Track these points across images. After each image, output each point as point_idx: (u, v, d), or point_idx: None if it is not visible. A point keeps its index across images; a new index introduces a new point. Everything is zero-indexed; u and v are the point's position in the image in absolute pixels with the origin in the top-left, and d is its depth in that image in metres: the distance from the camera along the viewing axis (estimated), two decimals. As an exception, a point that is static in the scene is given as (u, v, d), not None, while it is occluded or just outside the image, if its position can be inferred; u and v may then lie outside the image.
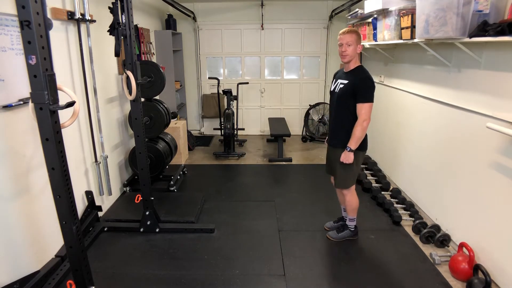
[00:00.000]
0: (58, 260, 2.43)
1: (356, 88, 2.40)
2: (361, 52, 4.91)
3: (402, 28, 3.09)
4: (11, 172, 2.13)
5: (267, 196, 3.72)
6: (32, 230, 2.31)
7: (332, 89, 2.64)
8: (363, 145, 2.56)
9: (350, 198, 2.70)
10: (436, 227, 2.82)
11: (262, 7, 5.82)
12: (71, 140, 2.79)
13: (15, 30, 2.10)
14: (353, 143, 2.45)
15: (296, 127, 6.34)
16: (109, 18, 2.54)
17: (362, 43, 2.51)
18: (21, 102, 2.14)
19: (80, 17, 2.78)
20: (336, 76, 2.64)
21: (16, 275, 2.14)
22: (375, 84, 2.46)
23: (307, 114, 5.96)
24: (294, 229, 3.05)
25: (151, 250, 2.73)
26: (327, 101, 6.21)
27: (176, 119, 4.87)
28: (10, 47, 2.07)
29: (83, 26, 2.88)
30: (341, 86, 2.50)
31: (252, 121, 6.41)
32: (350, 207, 2.74)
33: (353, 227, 2.82)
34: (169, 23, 5.43)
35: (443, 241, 2.72)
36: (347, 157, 2.49)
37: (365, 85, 2.40)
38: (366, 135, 2.54)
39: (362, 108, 2.39)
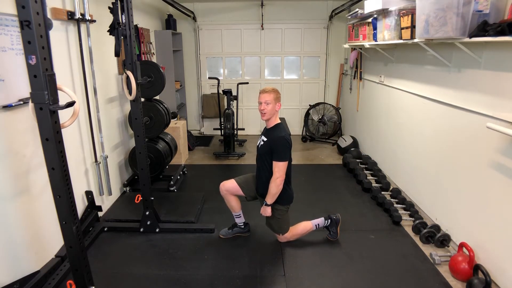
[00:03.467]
0: (58, 260, 2.43)
1: (272, 146, 2.50)
2: (360, 53, 4.94)
3: (402, 28, 3.09)
4: (11, 172, 2.13)
5: (267, 196, 3.71)
6: (32, 230, 2.31)
7: (257, 144, 2.73)
8: (283, 199, 2.64)
9: (293, 236, 2.79)
10: (436, 227, 2.82)
11: (262, 7, 5.82)
12: (71, 140, 2.79)
13: (15, 30, 2.10)
14: (269, 199, 2.56)
15: (296, 127, 6.35)
16: (109, 18, 2.54)
17: (280, 102, 2.59)
18: (21, 102, 2.14)
19: (80, 17, 2.78)
20: (262, 133, 2.73)
21: (16, 275, 2.14)
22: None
23: (307, 114, 5.96)
24: (294, 229, 3.05)
25: (151, 250, 2.73)
26: (327, 101, 6.22)
27: (176, 119, 4.87)
28: (10, 47, 2.07)
29: (83, 26, 2.88)
30: (262, 143, 2.62)
31: (252, 121, 6.41)
32: (305, 233, 2.83)
33: (330, 218, 2.85)
34: (169, 23, 5.43)
35: (443, 241, 2.72)
36: (265, 211, 2.61)
37: (280, 144, 2.47)
38: (288, 190, 2.66)
39: (276, 166, 2.49)
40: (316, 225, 2.84)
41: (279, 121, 2.59)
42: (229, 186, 2.78)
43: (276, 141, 2.48)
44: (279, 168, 2.48)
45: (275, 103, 2.51)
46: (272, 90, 2.51)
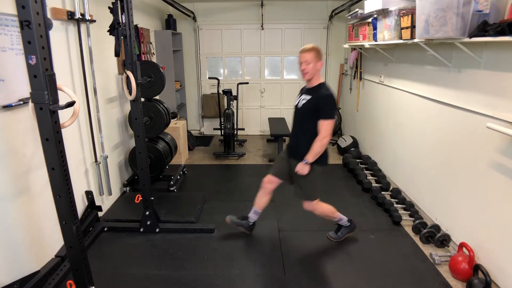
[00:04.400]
0: (58, 260, 2.43)
1: (318, 105, 2.42)
2: (360, 53, 4.93)
3: (402, 28, 3.09)
4: (11, 172, 2.13)
5: (267, 196, 3.71)
6: (32, 230, 2.31)
7: (295, 104, 2.64)
8: (322, 160, 2.55)
9: (320, 210, 2.70)
10: (436, 227, 2.82)
11: (262, 7, 5.82)
12: (71, 140, 2.79)
13: (15, 30, 2.10)
14: (310, 157, 2.45)
15: (296, 127, 6.33)
16: (109, 18, 2.54)
17: (322, 60, 2.50)
18: (21, 102, 2.14)
19: (80, 17, 2.78)
20: (301, 92, 2.66)
21: (16, 275, 2.14)
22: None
23: (307, 114, 5.95)
24: (294, 229, 3.05)
25: (151, 250, 2.73)
26: (327, 101, 6.20)
27: (176, 119, 4.87)
28: (10, 47, 2.07)
29: (83, 26, 2.88)
30: (304, 101, 2.52)
31: (252, 121, 6.41)
32: (327, 215, 2.76)
33: (347, 222, 2.82)
34: (169, 23, 5.43)
35: (443, 241, 2.72)
36: (302, 168, 2.48)
37: (327, 102, 2.41)
38: (326, 151, 2.56)
39: (322, 125, 2.40)
40: (340, 218, 2.80)
41: (322, 81, 2.51)
42: (269, 179, 2.78)
43: (324, 99, 2.40)
44: (326, 127, 2.38)
45: (316, 62, 2.43)
46: (312, 48, 2.42)
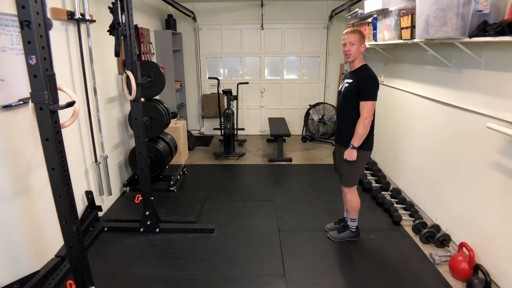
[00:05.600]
0: (58, 260, 2.43)
1: (360, 86, 2.43)
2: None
3: (402, 28, 3.09)
4: (11, 172, 2.13)
5: (267, 196, 3.72)
6: (32, 230, 2.31)
7: (339, 89, 2.67)
8: (367, 144, 2.55)
9: (351, 197, 2.71)
10: (436, 227, 2.82)
11: (262, 7, 5.82)
12: (71, 140, 2.79)
13: (15, 30, 2.10)
14: (356, 141, 2.47)
15: (296, 127, 6.34)
16: (109, 18, 2.54)
17: (365, 43, 2.51)
18: (21, 102, 2.14)
19: (80, 17, 2.78)
20: (344, 77, 2.68)
21: (16, 275, 2.14)
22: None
23: (307, 114, 5.96)
24: (294, 229, 3.05)
25: (151, 250, 2.73)
26: (327, 101, 6.21)
27: (176, 119, 4.87)
28: (10, 47, 2.07)
29: (83, 26, 2.88)
30: (346, 85, 2.54)
31: (252, 121, 6.41)
32: (351, 207, 2.74)
33: (354, 228, 2.82)
34: (169, 23, 5.42)
35: (443, 241, 2.72)
36: (350, 154, 2.51)
37: (368, 84, 2.42)
38: (372, 135, 2.56)
39: (364, 106, 2.42)
40: (355, 218, 2.78)
41: (364, 63, 2.52)
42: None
43: (365, 80, 2.42)
44: (368, 108, 2.39)
45: (360, 44, 2.44)
46: (357, 30, 2.45)
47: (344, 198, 2.89)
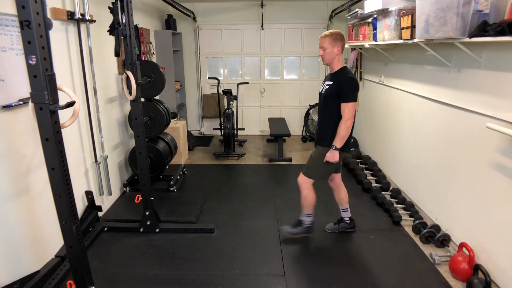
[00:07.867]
0: (58, 260, 2.43)
1: (340, 88, 2.47)
2: (360, 53, 4.93)
3: (402, 28, 3.09)
4: (11, 172, 2.13)
5: (267, 196, 3.72)
6: (32, 230, 2.31)
7: (320, 91, 2.70)
8: (344, 144, 2.58)
9: (307, 192, 2.74)
10: (436, 227, 2.82)
11: (262, 7, 5.82)
12: (71, 140, 2.79)
13: (15, 30, 2.10)
14: (338, 142, 2.51)
15: (296, 127, 6.34)
16: (109, 18, 2.54)
17: (344, 44, 2.53)
18: (21, 102, 2.14)
19: (80, 17, 2.78)
20: (324, 79, 2.72)
21: (16, 275, 2.14)
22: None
23: (307, 114, 5.96)
24: (294, 229, 3.04)
25: (151, 250, 2.73)
26: (327, 101, 6.20)
27: (176, 119, 4.87)
28: (10, 47, 2.07)
29: (83, 26, 2.88)
30: (327, 87, 2.58)
31: (252, 121, 6.41)
32: (306, 201, 2.77)
33: (310, 223, 2.83)
34: (169, 23, 5.42)
35: (443, 241, 2.72)
36: (332, 155, 2.53)
37: (348, 86, 2.46)
38: (351, 136, 2.60)
39: (345, 108, 2.45)
40: (308, 214, 2.80)
41: (344, 65, 2.56)
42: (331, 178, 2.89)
43: (345, 82, 2.45)
44: (349, 109, 2.43)
45: (333, 47, 2.46)
46: (329, 34, 2.47)
47: (336, 197, 2.96)
